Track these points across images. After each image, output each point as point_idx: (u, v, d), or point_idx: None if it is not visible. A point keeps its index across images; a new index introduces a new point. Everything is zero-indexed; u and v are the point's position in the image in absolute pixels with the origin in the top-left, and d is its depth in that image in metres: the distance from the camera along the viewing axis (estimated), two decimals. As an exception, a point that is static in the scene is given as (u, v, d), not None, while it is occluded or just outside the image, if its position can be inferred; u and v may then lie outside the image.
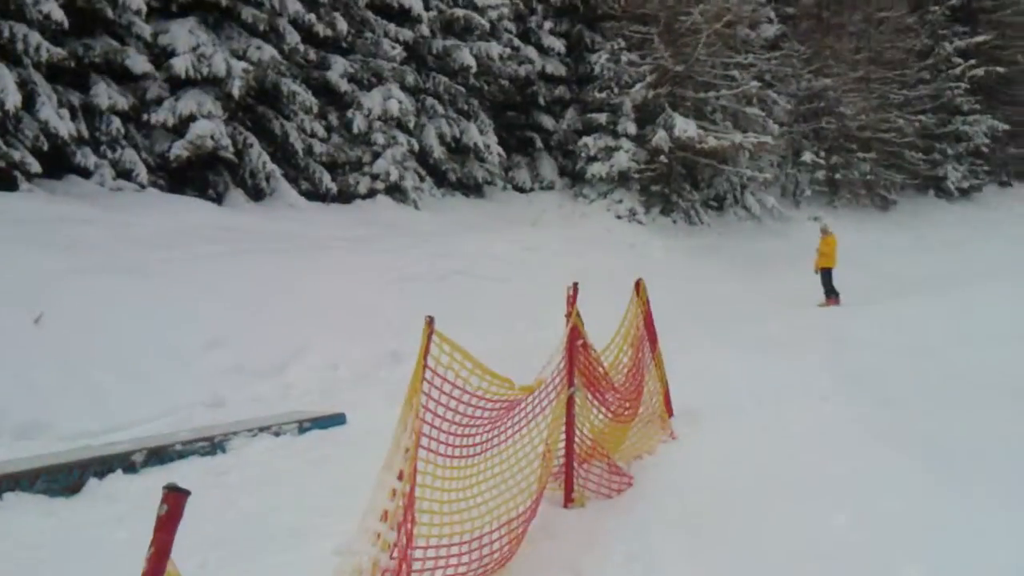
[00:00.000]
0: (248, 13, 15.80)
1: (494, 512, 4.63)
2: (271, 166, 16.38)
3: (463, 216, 19.86)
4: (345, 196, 18.23)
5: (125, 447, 6.65)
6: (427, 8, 20.63)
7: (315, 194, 17.52)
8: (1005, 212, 34.90)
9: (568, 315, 5.61)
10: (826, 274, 17.48)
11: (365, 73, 19.07)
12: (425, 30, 20.58)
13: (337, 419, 8.22)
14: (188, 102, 14.66)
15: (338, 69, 18.44)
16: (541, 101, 25.06)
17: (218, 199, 15.56)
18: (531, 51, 24.05)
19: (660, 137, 23.46)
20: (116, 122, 14.04)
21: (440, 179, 21.35)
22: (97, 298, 9.36)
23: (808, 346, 11.53)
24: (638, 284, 7.35)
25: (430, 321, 3.79)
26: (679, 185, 25.45)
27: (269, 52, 15.90)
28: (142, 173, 14.15)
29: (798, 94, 31.29)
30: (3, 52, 12.33)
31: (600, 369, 6.02)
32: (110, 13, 13.88)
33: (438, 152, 20.44)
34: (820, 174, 31.22)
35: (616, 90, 23.78)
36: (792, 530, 4.84)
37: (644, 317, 7.34)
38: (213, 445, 7.04)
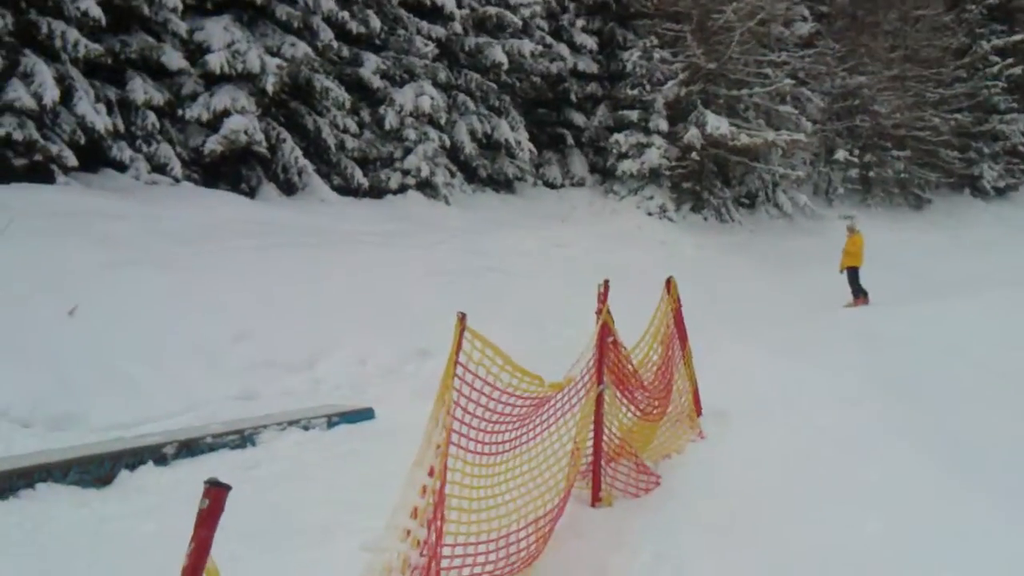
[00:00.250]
0: (282, 10, 15.92)
1: (522, 510, 4.62)
2: (303, 161, 16.48)
3: (493, 212, 19.86)
4: (376, 191, 18.30)
5: (156, 439, 6.71)
6: (460, 6, 20.64)
7: (347, 189, 17.61)
8: (1041, 212, 34.41)
9: (599, 312, 5.59)
10: (852, 273, 17.17)
11: (397, 70, 19.12)
12: (458, 27, 20.61)
13: (365, 414, 8.25)
14: (222, 98, 14.78)
15: (370, 66, 18.50)
16: (572, 98, 25.00)
17: (251, 193, 15.68)
18: (563, 48, 23.98)
19: (692, 134, 23.33)
20: (151, 117, 14.18)
21: (471, 175, 21.37)
22: (131, 291, 9.46)
23: (839, 347, 11.40)
24: (669, 282, 7.31)
25: (462, 317, 3.78)
26: (711, 182, 25.29)
27: (303, 49, 16.00)
28: (176, 167, 14.29)
29: (832, 92, 30.97)
30: (42, 48, 12.49)
31: (629, 367, 6.00)
32: (146, 10, 14.03)
33: (469, 148, 20.46)
34: (853, 172, 30.92)
35: (648, 87, 23.66)
36: (823, 534, 4.79)
37: (674, 315, 7.30)
38: (243, 438, 7.09)
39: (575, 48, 24.47)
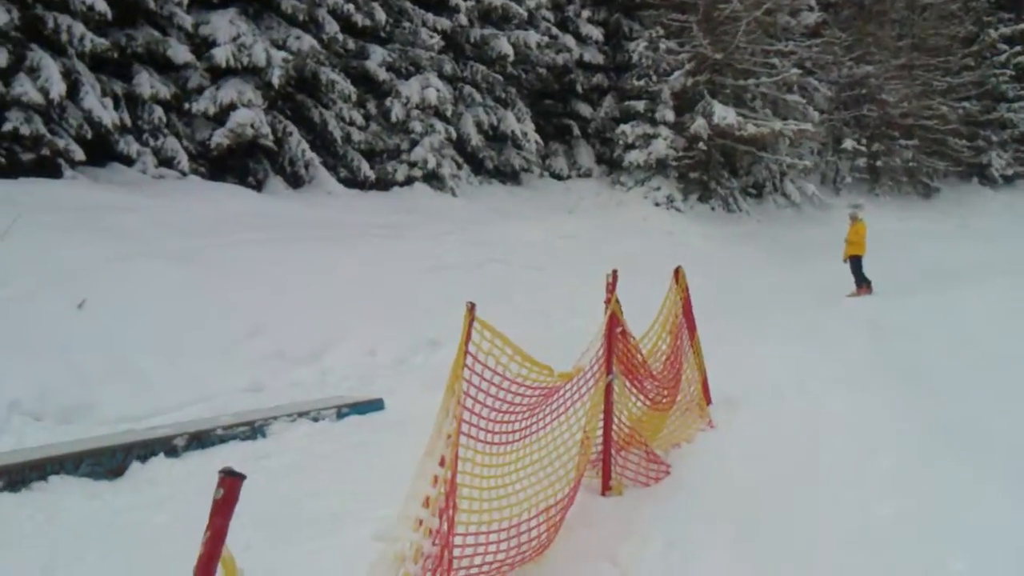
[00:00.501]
0: (287, 3, 15.92)
1: (532, 499, 4.63)
2: (310, 154, 16.50)
3: (500, 204, 19.85)
4: (383, 184, 18.30)
5: (167, 431, 6.74)
6: (465, -2, 20.64)
7: (353, 182, 17.61)
8: (1051, 200, 34.26)
9: (607, 302, 5.59)
10: (856, 262, 17.01)
11: (403, 62, 19.10)
12: (463, 19, 20.57)
13: (375, 405, 8.27)
14: (229, 91, 14.79)
15: (376, 58, 18.49)
16: (579, 89, 24.96)
17: (258, 187, 15.70)
18: (569, 39, 23.93)
19: (699, 124, 23.28)
20: (158, 111, 14.20)
21: (477, 167, 21.36)
22: (139, 284, 9.48)
23: (848, 335, 11.39)
24: (677, 271, 7.30)
25: (472, 308, 3.78)
26: (717, 172, 25.25)
27: (308, 42, 16.00)
28: (183, 161, 14.31)
29: (839, 81, 30.88)
30: (48, 42, 12.51)
31: (639, 356, 5.99)
32: (152, 4, 14.04)
33: (475, 140, 20.44)
34: (861, 161, 30.82)
35: (654, 78, 23.60)
36: (835, 520, 4.79)
37: (683, 304, 7.29)
38: (253, 430, 7.11)
39: (581, 39, 24.42)
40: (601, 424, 5.54)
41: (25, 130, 11.82)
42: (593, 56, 24.74)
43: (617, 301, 5.62)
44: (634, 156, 23.20)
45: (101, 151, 13.35)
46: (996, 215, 30.58)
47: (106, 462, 6.06)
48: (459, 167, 20.09)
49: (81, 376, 7.67)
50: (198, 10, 15.16)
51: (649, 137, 23.18)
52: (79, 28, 12.67)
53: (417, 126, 18.59)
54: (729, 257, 19.78)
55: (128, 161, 13.70)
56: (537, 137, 22.26)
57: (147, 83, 14.00)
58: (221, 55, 14.72)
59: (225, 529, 2.05)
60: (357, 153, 17.87)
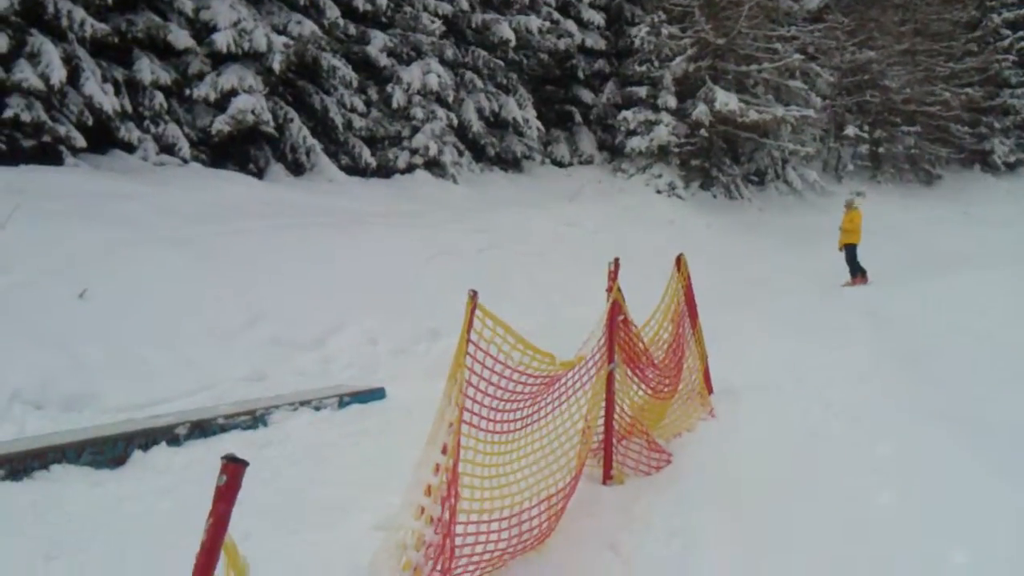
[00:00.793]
0: (288, -13, 15.87)
1: (533, 488, 4.64)
2: (311, 141, 16.45)
3: (501, 191, 19.81)
4: (384, 171, 18.25)
5: (169, 420, 6.74)
6: (466, -19, 20.54)
7: (355, 169, 17.57)
8: (1054, 187, 34.19)
9: (609, 290, 5.58)
10: (850, 251, 16.80)
11: (404, 47, 19.03)
12: (464, 4, 20.47)
13: (377, 393, 8.28)
14: (229, 77, 14.73)
15: (377, 44, 18.41)
16: (580, 75, 24.86)
17: (259, 174, 15.66)
18: (570, 25, 23.81)
19: (701, 111, 23.22)
20: (159, 97, 14.15)
21: (479, 154, 21.30)
22: (140, 272, 9.47)
23: (850, 324, 11.40)
24: (679, 259, 7.29)
25: (474, 295, 3.78)
26: (719, 159, 25.20)
27: (309, 27, 15.93)
28: (184, 148, 14.27)
29: (841, 67, 30.77)
30: (48, 28, 12.45)
31: (640, 345, 5.99)
32: (152, -12, 13.99)
33: (477, 126, 20.38)
34: (863, 148, 30.77)
35: (656, 63, 23.52)
36: (835, 509, 4.80)
37: (685, 292, 7.28)
38: (255, 419, 7.12)
39: (582, 24, 24.30)
40: (603, 413, 5.54)
41: (26, 116, 11.79)
42: (595, 41, 24.62)
43: (619, 289, 5.61)
44: (636, 143, 23.14)
45: (102, 138, 13.31)
46: (998, 202, 30.53)
47: (108, 451, 6.07)
48: (460, 154, 20.03)
49: (82, 365, 7.67)
50: (199, -5, 15.11)
51: (651, 123, 23.12)
52: (79, 13, 12.61)
53: (418, 112, 18.54)
54: (731, 244, 19.78)
55: (129, 148, 13.66)
56: (538, 124, 22.18)
57: (148, 69, 13.95)
58: (222, 40, 14.65)
59: (228, 515, 2.06)
60: (358, 140, 17.83)
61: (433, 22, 19.37)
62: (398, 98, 18.42)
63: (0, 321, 7.75)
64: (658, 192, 22.90)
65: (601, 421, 5.54)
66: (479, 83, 20.71)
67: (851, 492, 5.03)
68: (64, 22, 12.48)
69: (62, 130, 12.22)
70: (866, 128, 30.82)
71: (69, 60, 12.45)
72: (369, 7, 17.90)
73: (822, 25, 28.41)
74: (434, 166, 18.76)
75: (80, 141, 12.44)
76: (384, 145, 18.62)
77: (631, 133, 23.37)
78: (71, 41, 12.66)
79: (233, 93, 14.66)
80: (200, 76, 14.92)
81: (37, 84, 11.76)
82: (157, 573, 4.29)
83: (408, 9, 19.33)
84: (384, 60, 18.47)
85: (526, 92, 22.32)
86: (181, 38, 14.40)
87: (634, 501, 5.25)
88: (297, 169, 16.36)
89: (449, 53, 19.86)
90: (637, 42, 23.73)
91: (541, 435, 4.89)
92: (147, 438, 6.35)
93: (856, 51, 30.94)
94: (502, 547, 4.24)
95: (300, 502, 5.28)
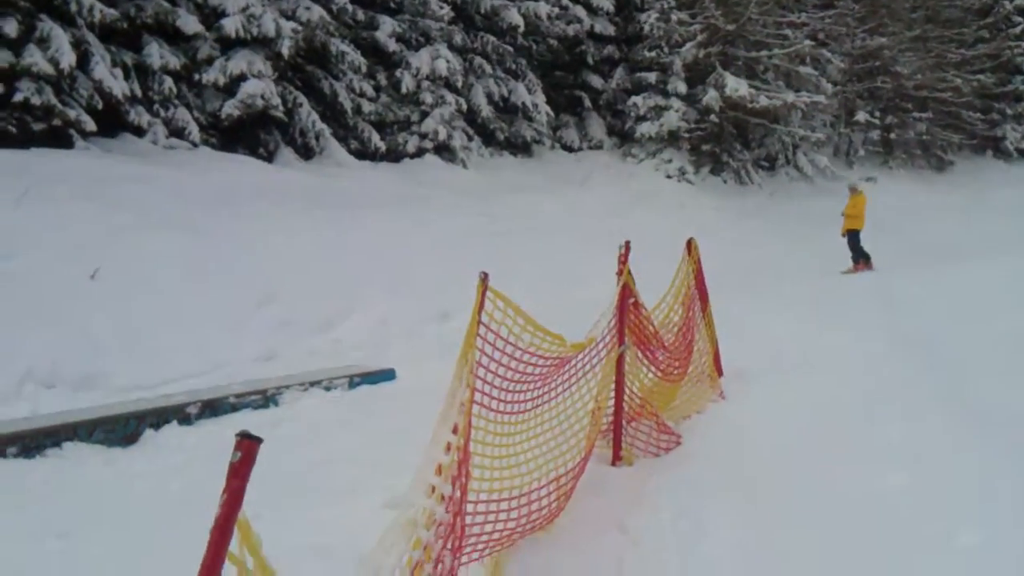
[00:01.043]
0: (297, -27, 15.83)
1: (543, 468, 4.65)
2: (320, 125, 16.46)
3: (511, 175, 19.79)
4: (394, 155, 18.26)
5: (180, 399, 6.79)
6: (475, -33, 20.47)
7: (364, 153, 17.58)
8: (1066, 174, 33.96)
9: (620, 273, 5.58)
10: (853, 237, 16.54)
11: (413, 33, 19.01)
12: (473, -10, 20.45)
13: (387, 374, 8.31)
14: (238, 62, 14.74)
15: (386, 29, 18.39)
16: (590, 60, 24.77)
17: (269, 157, 15.68)
18: (579, 10, 23.71)
19: (711, 96, 23.15)
20: (168, 81, 14.17)
21: (488, 138, 21.28)
22: (151, 254, 9.51)
23: (860, 308, 11.35)
24: (690, 243, 7.27)
25: (485, 277, 3.78)
26: (730, 145, 25.11)
27: (318, 12, 15.91)
28: (194, 132, 14.30)
29: (852, 53, 30.57)
30: (58, 13, 12.48)
31: (650, 327, 5.99)
32: (161, -27, 13.99)
33: (486, 111, 20.35)
34: (874, 134, 30.60)
35: (666, 49, 23.45)
36: (843, 492, 4.79)
37: (695, 276, 7.27)
38: (266, 398, 7.16)
39: (592, 10, 24.19)
40: (613, 394, 5.54)
41: (36, 100, 11.82)
42: (604, 27, 24.52)
43: (629, 272, 5.61)
44: (646, 128, 23.09)
45: (112, 121, 13.35)
46: (1010, 189, 30.27)
47: (120, 429, 6.11)
48: (470, 139, 20.02)
49: (94, 345, 7.72)
50: (207, -20, 15.11)
51: (661, 109, 23.06)
52: (88, -2, 12.65)
53: (427, 97, 18.52)
54: (741, 229, 19.72)
55: (139, 132, 13.70)
56: (548, 109, 22.14)
57: (157, 54, 13.97)
58: (230, 25, 14.65)
59: (242, 492, 2.06)
60: (367, 124, 17.84)
61: (442, 8, 19.33)
62: (407, 83, 18.41)
63: (12, 301, 7.80)
64: (668, 177, 22.85)
65: (611, 402, 5.54)
66: (488, 68, 20.67)
67: (861, 474, 5.02)
68: (73, 7, 12.52)
69: (72, 114, 12.25)
70: (877, 114, 30.63)
71: (78, 45, 12.47)
72: (378, -8, 17.87)
73: (832, 11, 28.23)
74: (444, 150, 18.76)
75: (90, 125, 12.47)
76: (393, 130, 18.62)
77: (641, 118, 23.31)
78: (80, 26, 12.69)
79: (242, 78, 14.68)
80: (209, 61, 14.94)
81: (47, 68, 11.79)
82: (169, 549, 4.30)
83: (417, -6, 19.30)
84: (393, 45, 18.46)
85: (535, 77, 22.27)
86: (190, 23, 14.42)
87: (643, 482, 5.26)
88: (307, 153, 16.37)
89: (458, 39, 19.83)
90: (647, 28, 23.64)
91: (551, 416, 4.89)
92: (158, 417, 6.39)
93: (867, 37, 30.73)
94: (511, 526, 4.25)
95: (310, 481, 5.30)
